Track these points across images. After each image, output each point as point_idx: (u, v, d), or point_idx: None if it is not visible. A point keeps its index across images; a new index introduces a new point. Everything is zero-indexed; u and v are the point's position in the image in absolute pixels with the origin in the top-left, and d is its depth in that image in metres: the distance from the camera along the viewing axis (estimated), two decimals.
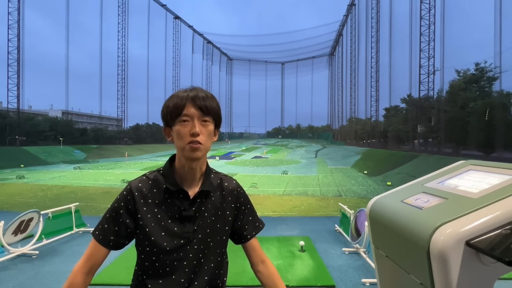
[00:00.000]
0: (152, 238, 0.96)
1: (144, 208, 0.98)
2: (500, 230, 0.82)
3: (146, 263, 0.99)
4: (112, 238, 0.98)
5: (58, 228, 5.49)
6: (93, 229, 1.02)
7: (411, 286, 1.02)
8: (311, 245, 5.13)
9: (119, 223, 0.98)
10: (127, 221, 0.98)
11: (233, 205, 1.09)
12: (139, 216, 0.97)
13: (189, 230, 0.98)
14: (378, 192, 10.04)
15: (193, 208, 1.00)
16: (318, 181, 15.86)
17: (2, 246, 4.39)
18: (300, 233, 6.06)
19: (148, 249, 0.97)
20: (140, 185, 1.00)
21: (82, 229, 5.96)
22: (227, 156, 36.05)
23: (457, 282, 0.82)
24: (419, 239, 0.91)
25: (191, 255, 0.98)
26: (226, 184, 1.09)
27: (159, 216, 0.98)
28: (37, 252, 4.63)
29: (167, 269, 0.97)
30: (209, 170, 1.07)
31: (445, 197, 1.04)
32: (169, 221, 0.98)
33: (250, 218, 1.13)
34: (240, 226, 1.11)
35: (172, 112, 0.96)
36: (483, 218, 0.84)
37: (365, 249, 4.58)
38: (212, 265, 1.03)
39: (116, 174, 18.66)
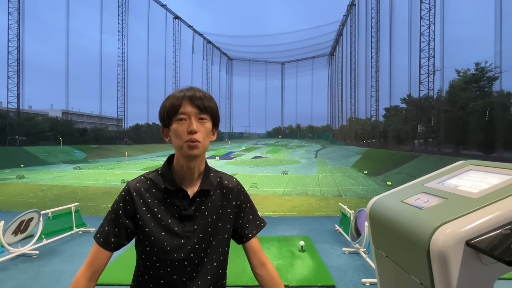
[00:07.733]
0: (152, 238, 0.96)
1: (144, 208, 0.97)
2: (500, 230, 0.82)
3: (147, 263, 0.98)
4: (113, 240, 0.97)
5: (58, 228, 5.48)
6: (93, 229, 1.02)
7: (411, 286, 1.02)
8: (311, 245, 5.13)
9: (119, 224, 0.97)
10: (127, 221, 0.97)
11: (234, 203, 1.08)
12: (138, 216, 0.97)
13: (189, 229, 0.98)
14: (378, 192, 10.04)
15: (193, 207, 0.99)
16: (318, 181, 15.85)
17: (2, 246, 4.39)
18: (300, 233, 6.06)
19: (148, 249, 0.97)
20: (138, 185, 1.00)
21: (82, 229, 5.94)
22: (227, 156, 36.04)
23: (457, 282, 0.82)
24: (419, 239, 0.91)
25: (192, 255, 0.98)
26: (226, 182, 1.09)
27: (159, 215, 0.97)
28: (37, 252, 4.63)
29: (168, 269, 0.97)
30: (208, 169, 1.06)
31: (445, 197, 1.04)
32: (169, 220, 0.97)
33: (251, 216, 1.12)
34: (241, 224, 1.09)
35: (169, 111, 0.95)
36: (483, 218, 0.84)
37: (365, 249, 4.58)
38: (215, 264, 1.02)
39: (116, 174, 18.67)
